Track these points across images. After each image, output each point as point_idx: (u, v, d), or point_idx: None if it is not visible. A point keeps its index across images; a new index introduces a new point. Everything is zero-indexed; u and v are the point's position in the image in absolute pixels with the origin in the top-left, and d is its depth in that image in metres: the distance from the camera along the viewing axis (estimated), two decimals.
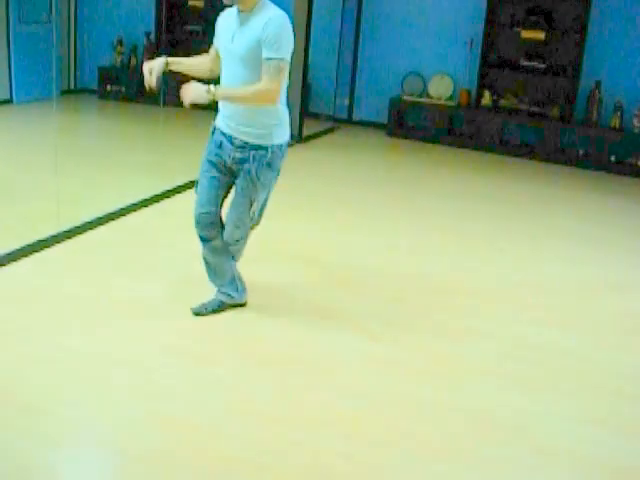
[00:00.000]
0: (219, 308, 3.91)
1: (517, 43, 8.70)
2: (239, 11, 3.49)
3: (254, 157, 3.55)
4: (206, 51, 3.80)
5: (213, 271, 3.90)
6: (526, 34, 8.56)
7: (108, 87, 10.05)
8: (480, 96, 8.99)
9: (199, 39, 9.93)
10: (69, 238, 4.73)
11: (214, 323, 3.79)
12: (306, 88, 8.53)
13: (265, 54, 3.36)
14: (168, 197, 5.84)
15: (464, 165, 8.09)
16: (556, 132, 8.57)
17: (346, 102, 9.85)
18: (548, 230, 6.00)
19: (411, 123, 9.44)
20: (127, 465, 2.67)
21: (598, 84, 8.42)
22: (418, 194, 6.76)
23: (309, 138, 8.53)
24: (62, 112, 8.89)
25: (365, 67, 9.70)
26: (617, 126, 8.38)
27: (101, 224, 5.05)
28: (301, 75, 8.11)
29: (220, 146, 3.64)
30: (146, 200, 5.63)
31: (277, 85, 3.40)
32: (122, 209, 5.34)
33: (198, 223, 3.76)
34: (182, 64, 3.74)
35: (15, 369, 3.20)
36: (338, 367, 3.49)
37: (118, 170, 6.57)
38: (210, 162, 3.70)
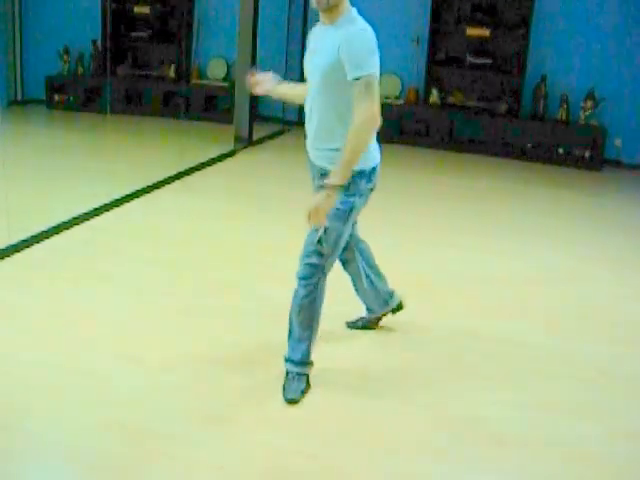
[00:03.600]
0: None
1: (463, 40, 8.81)
2: (323, 24, 3.13)
3: None
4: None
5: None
6: (471, 31, 8.66)
7: (55, 97, 9.92)
8: (428, 94, 9.07)
9: (145, 46, 9.92)
10: (19, 251, 4.66)
11: (165, 330, 3.79)
12: None
13: (350, 74, 3.03)
14: (120, 205, 5.79)
15: (413, 163, 8.16)
16: (504, 127, 8.70)
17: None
18: (498, 223, 6.09)
19: None
20: (85, 475, 2.65)
21: (544, 78, 8.57)
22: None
23: (259, 141, 8.49)
24: (10, 124, 8.75)
25: None
26: (564, 119, 8.55)
27: (54, 234, 4.99)
28: None
29: None
30: (98, 208, 5.57)
31: (373, 104, 3.12)
32: (74, 218, 5.28)
33: None
34: (287, 94, 3.47)
35: None
36: None
37: (69, 179, 6.49)
38: None
